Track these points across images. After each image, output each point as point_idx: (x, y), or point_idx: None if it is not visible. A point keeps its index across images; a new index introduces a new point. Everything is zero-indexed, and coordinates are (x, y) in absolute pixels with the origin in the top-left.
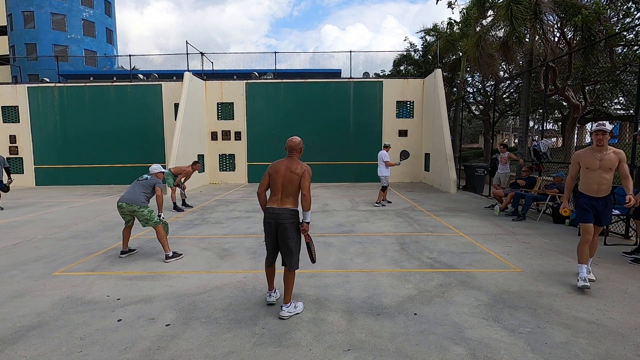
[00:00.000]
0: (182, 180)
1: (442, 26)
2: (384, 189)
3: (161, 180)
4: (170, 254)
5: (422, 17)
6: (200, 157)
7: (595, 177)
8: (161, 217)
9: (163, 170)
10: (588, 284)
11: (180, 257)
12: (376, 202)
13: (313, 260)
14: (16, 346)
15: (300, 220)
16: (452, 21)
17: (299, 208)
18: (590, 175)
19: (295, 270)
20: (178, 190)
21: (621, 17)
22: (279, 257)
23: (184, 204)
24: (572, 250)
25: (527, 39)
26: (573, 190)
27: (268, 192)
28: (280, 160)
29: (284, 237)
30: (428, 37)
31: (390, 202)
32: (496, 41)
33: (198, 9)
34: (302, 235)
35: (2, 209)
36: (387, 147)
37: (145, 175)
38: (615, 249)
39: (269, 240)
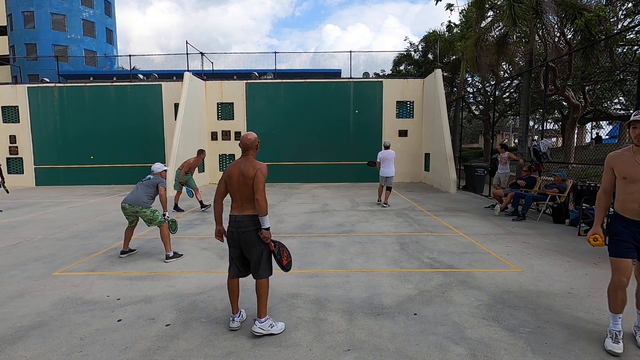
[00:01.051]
0: (191, 174)
1: (442, 29)
2: (390, 189)
3: (164, 179)
4: (171, 254)
5: (423, 17)
6: None
7: (638, 192)
8: (166, 216)
9: (166, 168)
10: (620, 348)
11: (181, 257)
12: (385, 202)
13: (283, 268)
14: (16, 346)
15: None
16: (452, 24)
17: None
18: (630, 189)
19: (268, 278)
20: (185, 190)
21: (621, 17)
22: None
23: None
24: (571, 250)
25: (527, 38)
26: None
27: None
28: (235, 162)
29: (249, 246)
30: (429, 40)
31: (380, 203)
32: (495, 41)
33: (200, 9)
34: (265, 238)
35: (1, 211)
36: (388, 147)
37: (148, 176)
38: None
39: (234, 250)
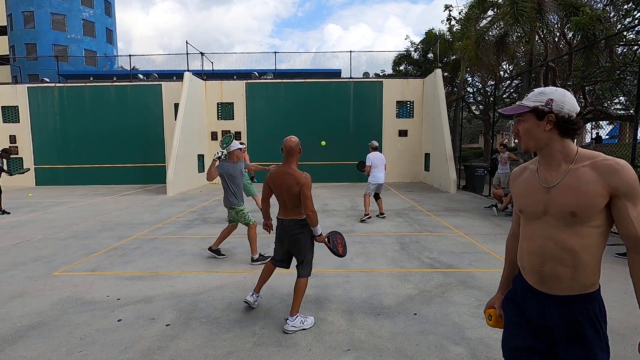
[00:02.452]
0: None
1: (442, 27)
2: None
3: (233, 158)
4: (256, 256)
5: (425, 18)
6: (200, 157)
7: (538, 238)
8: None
9: (240, 146)
10: None
11: (267, 260)
12: (382, 212)
13: (341, 256)
14: (16, 346)
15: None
16: (452, 17)
17: None
18: (529, 230)
19: (307, 278)
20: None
21: (621, 17)
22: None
23: None
24: None
25: (528, 38)
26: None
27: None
28: (277, 169)
29: (297, 248)
30: (429, 40)
31: (369, 216)
32: (496, 40)
33: (204, 9)
34: (320, 242)
35: (9, 213)
36: (376, 148)
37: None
38: (614, 249)
39: (280, 247)
